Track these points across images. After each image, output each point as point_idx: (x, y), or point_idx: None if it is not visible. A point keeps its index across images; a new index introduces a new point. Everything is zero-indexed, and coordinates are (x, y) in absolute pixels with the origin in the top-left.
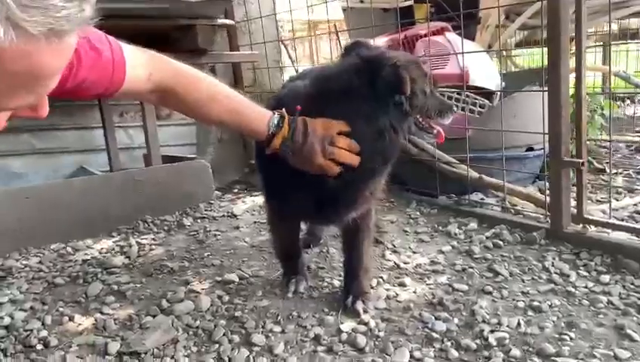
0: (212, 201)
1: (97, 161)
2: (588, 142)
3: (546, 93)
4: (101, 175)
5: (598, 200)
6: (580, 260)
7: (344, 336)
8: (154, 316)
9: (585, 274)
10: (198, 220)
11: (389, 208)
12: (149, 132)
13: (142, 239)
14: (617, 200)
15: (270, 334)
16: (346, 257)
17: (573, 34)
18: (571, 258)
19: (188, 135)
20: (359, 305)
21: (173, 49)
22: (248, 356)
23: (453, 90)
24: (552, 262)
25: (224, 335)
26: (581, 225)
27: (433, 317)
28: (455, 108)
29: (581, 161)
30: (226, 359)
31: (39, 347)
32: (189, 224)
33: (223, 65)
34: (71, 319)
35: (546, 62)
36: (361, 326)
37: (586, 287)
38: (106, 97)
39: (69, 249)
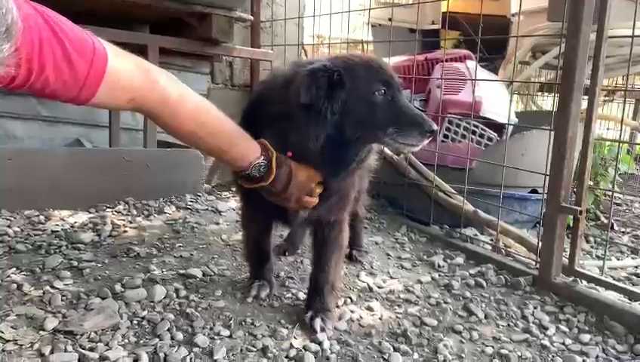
0: (200, 194)
1: (99, 137)
2: (603, 197)
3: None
4: (89, 149)
5: (598, 256)
6: (563, 314)
7: (292, 352)
8: (103, 298)
9: (565, 329)
10: (181, 210)
11: (378, 229)
12: None
13: (118, 220)
14: (619, 259)
15: (216, 337)
16: (313, 270)
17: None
18: (554, 310)
19: None
20: (317, 323)
21: (186, 35)
22: (185, 356)
23: (461, 117)
24: (533, 312)
25: (168, 330)
26: (571, 278)
27: (392, 348)
28: (454, 135)
29: (579, 209)
30: (162, 356)
31: None
32: (170, 212)
33: (241, 61)
34: (19, 287)
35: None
36: (313, 344)
37: (563, 344)
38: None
39: (41, 217)
